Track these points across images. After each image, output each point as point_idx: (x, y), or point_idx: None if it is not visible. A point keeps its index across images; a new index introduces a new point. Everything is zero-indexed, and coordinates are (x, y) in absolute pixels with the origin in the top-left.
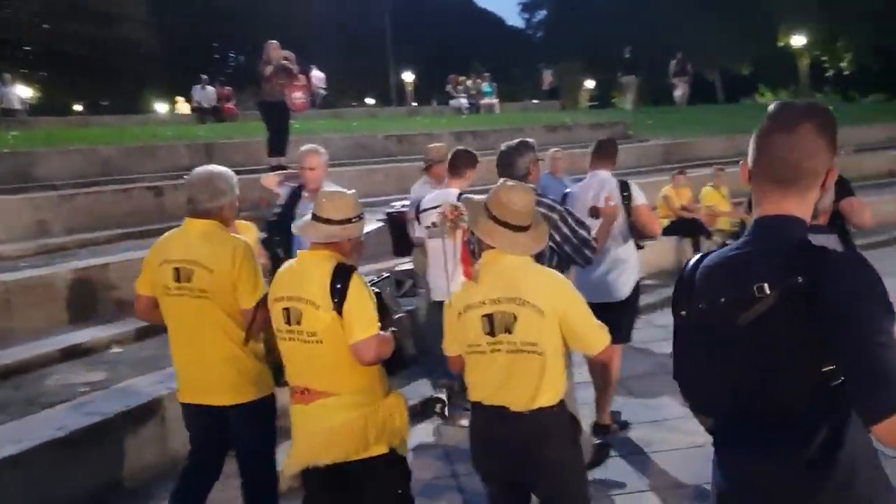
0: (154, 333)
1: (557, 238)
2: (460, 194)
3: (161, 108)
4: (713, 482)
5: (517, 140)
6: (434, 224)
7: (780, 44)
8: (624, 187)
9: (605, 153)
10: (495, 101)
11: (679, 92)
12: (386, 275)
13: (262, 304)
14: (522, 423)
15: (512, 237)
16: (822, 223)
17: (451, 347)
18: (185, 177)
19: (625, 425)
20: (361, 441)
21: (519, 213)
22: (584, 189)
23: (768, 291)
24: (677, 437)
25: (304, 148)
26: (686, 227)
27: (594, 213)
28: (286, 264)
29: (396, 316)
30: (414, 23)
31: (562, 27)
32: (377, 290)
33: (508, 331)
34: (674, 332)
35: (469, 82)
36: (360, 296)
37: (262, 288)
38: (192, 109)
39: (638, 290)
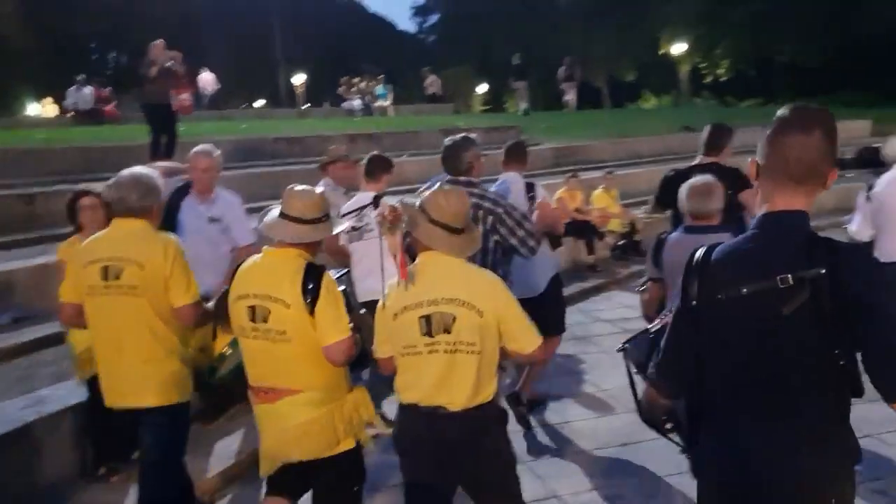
0: (23, 353)
1: (503, 231)
2: (376, 197)
3: (34, 109)
4: (705, 458)
5: (460, 135)
6: (354, 228)
7: (662, 51)
8: (530, 188)
9: (515, 156)
10: (388, 103)
11: (568, 97)
12: (345, 270)
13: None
14: (460, 422)
15: (449, 239)
16: (714, 223)
17: (382, 349)
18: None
19: (543, 400)
20: (331, 437)
21: (456, 215)
22: (502, 190)
23: (791, 282)
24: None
25: (196, 149)
26: (579, 229)
27: (531, 211)
28: (249, 261)
29: (359, 313)
30: (304, 25)
31: (454, 32)
32: (342, 287)
33: (447, 331)
34: (676, 321)
35: (363, 84)
36: (333, 297)
37: (195, 285)
38: (64, 111)
39: (558, 282)
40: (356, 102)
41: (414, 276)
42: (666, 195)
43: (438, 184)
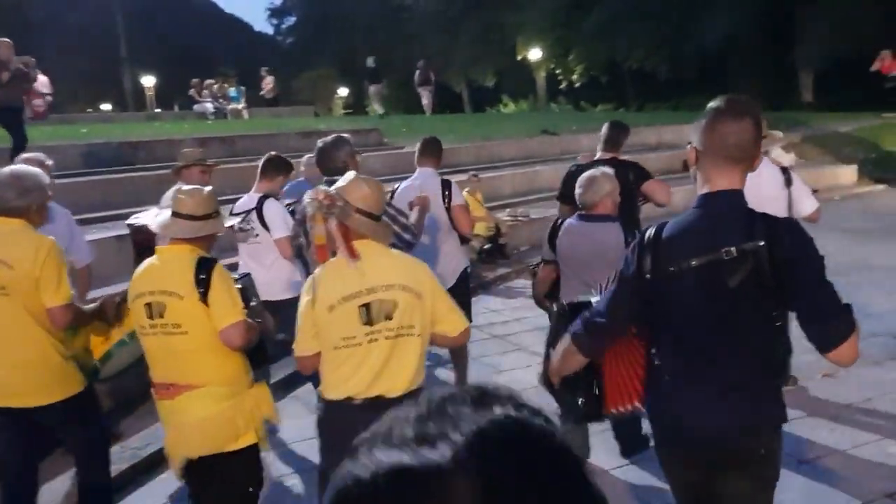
0: None
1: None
2: (262, 198)
3: None
4: (659, 414)
5: (332, 136)
6: (241, 228)
7: (520, 57)
8: (446, 186)
9: (428, 152)
10: (242, 106)
11: (425, 101)
12: (247, 272)
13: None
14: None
15: (375, 227)
16: (609, 213)
17: (308, 346)
18: None
19: None
20: (232, 431)
21: (378, 202)
22: (409, 186)
23: (735, 254)
24: None
25: (23, 156)
26: None
27: (410, 205)
28: (144, 263)
29: (257, 306)
30: (154, 24)
31: (312, 34)
32: (240, 285)
33: (388, 317)
34: (620, 289)
35: (215, 87)
36: (225, 284)
37: (67, 286)
38: None
39: (465, 277)
40: (208, 105)
41: (357, 264)
42: (568, 190)
43: (353, 174)
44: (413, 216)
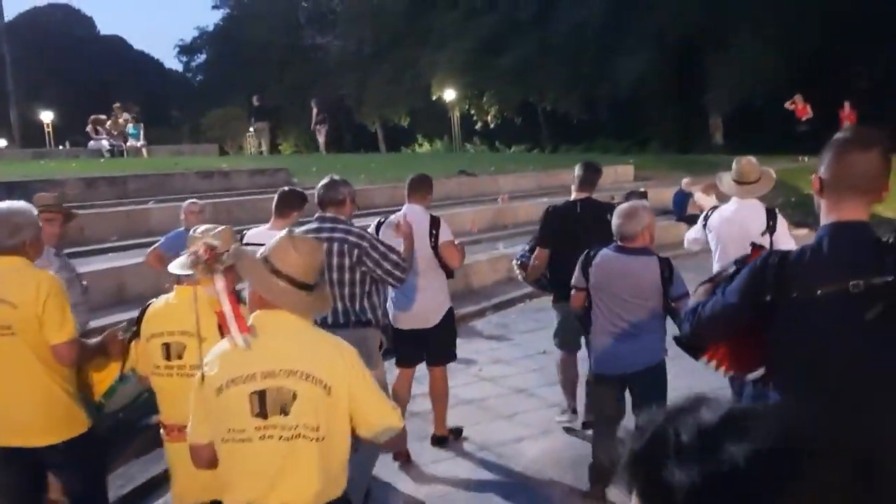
0: None
1: (369, 263)
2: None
3: None
4: None
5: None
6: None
7: (434, 97)
8: (434, 223)
9: (418, 189)
10: (141, 143)
11: (321, 139)
12: None
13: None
14: None
15: (296, 296)
16: (647, 245)
17: (198, 432)
18: None
19: (458, 433)
20: None
21: (307, 267)
22: (395, 220)
23: (863, 288)
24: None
25: None
26: None
27: (395, 231)
28: (161, 299)
29: None
30: (54, 60)
31: (223, 72)
32: None
33: (284, 412)
34: (733, 304)
35: (108, 122)
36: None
37: (71, 322)
38: None
39: (450, 315)
40: (104, 142)
41: (248, 339)
42: (547, 230)
43: (287, 230)
44: (400, 249)
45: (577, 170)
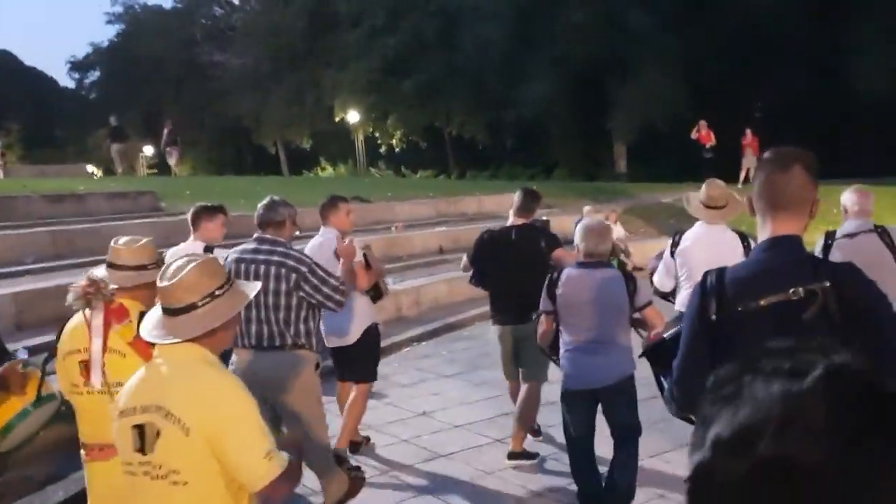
0: None
1: (307, 289)
2: (206, 249)
3: None
4: None
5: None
6: None
7: (337, 119)
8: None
9: (328, 210)
10: None
11: (172, 161)
12: None
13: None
14: None
15: (169, 322)
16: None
17: None
18: None
19: (367, 440)
20: None
21: (185, 290)
22: (314, 245)
23: (802, 294)
24: None
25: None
26: None
27: (336, 255)
28: (76, 317)
29: None
30: None
31: (115, 89)
32: None
33: (152, 450)
34: (688, 336)
35: None
36: (129, 352)
37: None
38: None
39: (373, 333)
40: None
41: (141, 372)
42: (480, 256)
43: (184, 260)
44: (338, 272)
45: (517, 196)
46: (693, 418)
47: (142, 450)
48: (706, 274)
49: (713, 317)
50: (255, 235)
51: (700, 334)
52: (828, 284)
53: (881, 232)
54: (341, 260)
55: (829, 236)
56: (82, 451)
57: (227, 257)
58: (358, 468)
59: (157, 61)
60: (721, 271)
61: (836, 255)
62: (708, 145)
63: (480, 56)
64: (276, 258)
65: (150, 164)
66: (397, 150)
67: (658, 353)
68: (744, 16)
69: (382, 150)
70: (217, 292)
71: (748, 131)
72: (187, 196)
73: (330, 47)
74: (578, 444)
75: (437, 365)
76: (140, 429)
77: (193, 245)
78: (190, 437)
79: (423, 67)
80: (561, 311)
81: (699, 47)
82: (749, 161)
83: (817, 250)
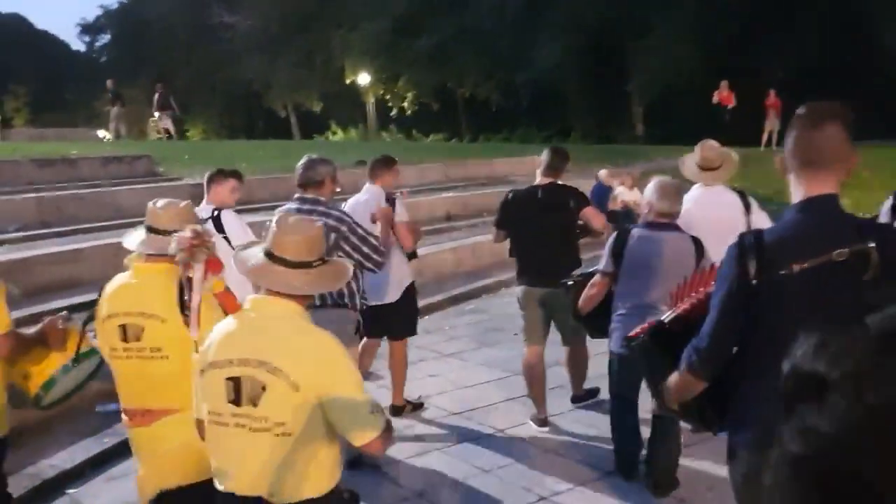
0: None
1: (347, 248)
2: (217, 210)
3: None
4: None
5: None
6: None
7: (348, 81)
8: (390, 203)
9: (379, 170)
10: None
11: (166, 125)
12: None
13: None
14: None
15: (292, 278)
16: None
17: (200, 409)
18: None
19: (419, 405)
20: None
21: (298, 245)
22: (357, 202)
23: (847, 254)
24: None
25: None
26: None
27: (373, 218)
28: (116, 280)
29: None
30: None
31: (126, 53)
32: None
33: (254, 403)
34: (723, 301)
35: None
36: (210, 304)
37: (5, 314)
38: None
39: (412, 290)
40: None
41: (232, 325)
42: (507, 216)
43: (283, 210)
44: (377, 233)
45: (544, 155)
46: (675, 409)
47: (237, 401)
48: (742, 236)
49: (753, 281)
50: (296, 195)
51: (737, 299)
52: (871, 245)
53: None
54: (379, 223)
55: None
56: (124, 416)
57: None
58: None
59: (166, 24)
60: (759, 234)
61: None
62: (728, 106)
63: (493, 16)
64: (315, 217)
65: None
66: (409, 112)
67: (662, 338)
68: None
69: (393, 113)
70: (325, 258)
71: (772, 92)
72: (186, 160)
73: (339, 7)
74: (623, 404)
75: (438, 343)
76: (236, 381)
77: (205, 209)
78: (300, 393)
79: (434, 28)
80: (625, 272)
81: (718, 6)
82: (772, 123)
83: (885, 210)
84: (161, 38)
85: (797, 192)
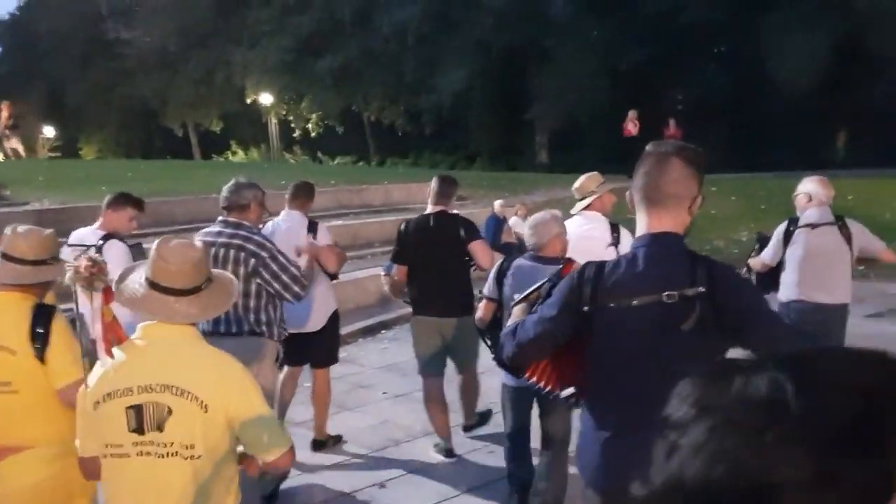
0: None
1: (267, 276)
2: (106, 237)
3: None
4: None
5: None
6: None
7: (249, 101)
8: (312, 227)
9: (297, 196)
10: None
11: (14, 145)
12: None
13: None
14: None
15: (166, 303)
16: (558, 255)
17: (84, 446)
18: None
19: (338, 439)
20: (66, 497)
21: (178, 273)
22: (284, 229)
23: (677, 298)
24: None
25: None
26: None
27: (297, 251)
28: None
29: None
30: None
31: (17, 66)
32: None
33: (160, 428)
34: (553, 310)
35: None
36: (65, 337)
37: None
38: None
39: (335, 319)
40: None
41: (124, 353)
42: (400, 246)
43: (161, 239)
44: (302, 264)
45: (433, 182)
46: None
47: (139, 429)
48: (585, 264)
49: (585, 308)
50: (220, 218)
51: (562, 318)
52: (702, 290)
53: (841, 226)
54: (303, 255)
55: (792, 223)
56: None
57: (194, 240)
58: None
59: (60, 37)
60: (600, 265)
61: (796, 244)
62: (633, 135)
63: (398, 39)
64: (236, 241)
65: (52, 146)
66: (314, 134)
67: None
68: (664, 3)
69: (297, 134)
70: (211, 276)
71: (671, 122)
72: (40, 182)
73: (240, 24)
74: (517, 434)
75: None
76: (138, 409)
77: (93, 234)
78: (209, 413)
79: (339, 48)
80: (507, 301)
81: (620, 37)
82: None
83: (779, 234)
84: (54, 52)
85: (640, 228)
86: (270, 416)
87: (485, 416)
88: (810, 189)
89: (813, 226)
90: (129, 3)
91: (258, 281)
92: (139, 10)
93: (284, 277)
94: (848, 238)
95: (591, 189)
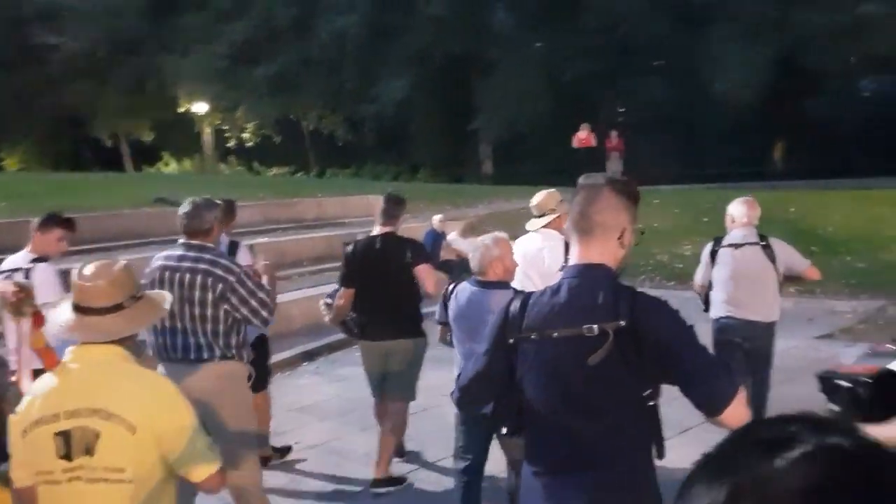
0: None
1: (234, 300)
2: (36, 260)
3: None
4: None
5: (204, 198)
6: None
7: (181, 110)
8: (232, 248)
9: (226, 215)
10: None
11: None
12: None
13: None
14: None
15: (86, 323)
16: (500, 278)
17: (17, 476)
18: None
19: (286, 450)
20: None
21: (98, 292)
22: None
23: (596, 332)
24: None
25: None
26: None
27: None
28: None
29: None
30: None
31: None
32: None
33: (89, 453)
34: (488, 349)
35: None
36: None
37: None
38: None
39: (265, 341)
40: None
41: (51, 379)
42: (348, 269)
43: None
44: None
45: (382, 202)
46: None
47: (68, 456)
48: (516, 293)
49: (510, 340)
50: (181, 241)
51: (495, 351)
52: (623, 324)
53: (765, 246)
54: (264, 277)
55: (717, 242)
56: None
57: (152, 263)
58: None
59: None
60: (527, 296)
61: (721, 265)
62: (581, 146)
63: (336, 46)
64: (202, 266)
65: None
66: (250, 144)
67: None
68: (606, 17)
69: (232, 144)
70: (137, 294)
71: (613, 134)
72: None
73: (171, 30)
74: (471, 468)
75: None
76: (65, 435)
77: (24, 258)
78: (137, 434)
79: (275, 56)
80: (452, 323)
81: (562, 49)
82: (614, 164)
83: (705, 254)
84: None
85: (571, 258)
86: (201, 436)
87: (397, 481)
88: (731, 211)
89: (736, 245)
90: (55, 7)
91: (226, 307)
92: (66, 15)
93: (253, 302)
94: (772, 258)
95: (550, 207)
